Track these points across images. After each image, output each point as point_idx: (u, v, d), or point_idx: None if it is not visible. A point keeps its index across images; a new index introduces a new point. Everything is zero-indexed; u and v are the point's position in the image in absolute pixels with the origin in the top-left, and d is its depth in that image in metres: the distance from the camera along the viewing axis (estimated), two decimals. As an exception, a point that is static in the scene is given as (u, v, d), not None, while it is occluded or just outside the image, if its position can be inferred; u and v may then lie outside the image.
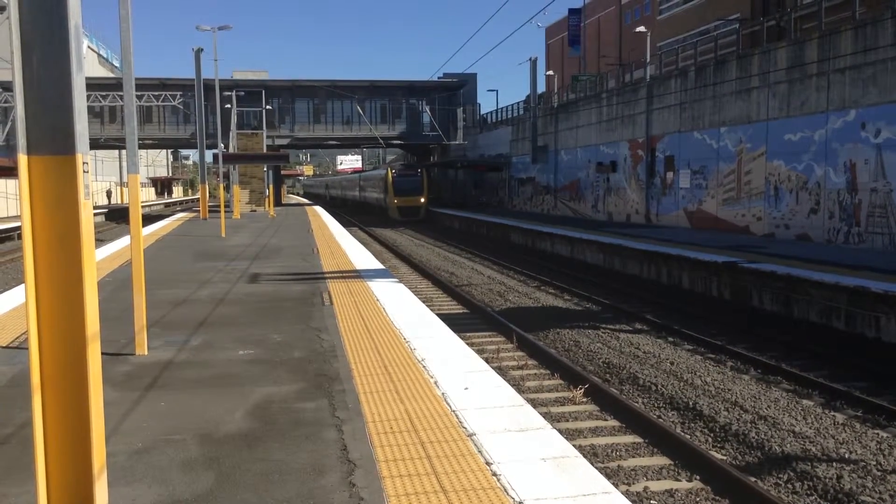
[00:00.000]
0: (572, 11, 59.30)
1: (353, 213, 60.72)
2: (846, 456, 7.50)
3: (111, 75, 70.62)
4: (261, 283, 13.01)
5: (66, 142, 3.13)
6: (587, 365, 11.47)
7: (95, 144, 49.21)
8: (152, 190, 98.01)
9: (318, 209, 48.49)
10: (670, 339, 13.20)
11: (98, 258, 16.82)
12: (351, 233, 29.17)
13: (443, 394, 6.11)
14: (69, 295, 3.16)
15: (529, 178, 44.83)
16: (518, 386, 10.08)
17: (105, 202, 71.10)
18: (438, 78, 54.29)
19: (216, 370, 7.05)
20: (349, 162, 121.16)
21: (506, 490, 4.24)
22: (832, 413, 9.00)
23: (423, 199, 48.68)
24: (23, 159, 3.11)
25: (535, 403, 9.09)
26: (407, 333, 8.46)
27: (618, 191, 34.05)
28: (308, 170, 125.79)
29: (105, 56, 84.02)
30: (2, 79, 44.75)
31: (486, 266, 24.51)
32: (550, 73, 53.70)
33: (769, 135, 23.22)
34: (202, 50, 35.85)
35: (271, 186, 44.66)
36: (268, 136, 46.78)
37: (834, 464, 7.30)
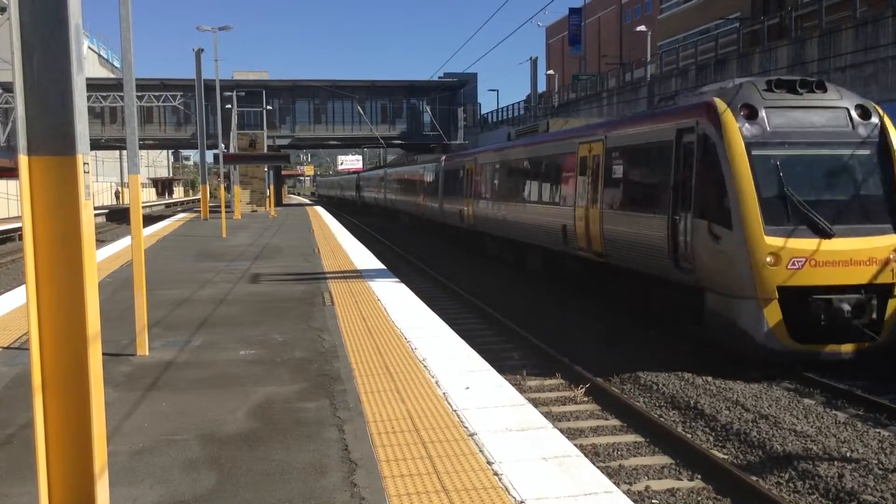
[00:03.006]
0: (573, 11, 59.33)
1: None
2: (848, 455, 7.49)
3: (112, 76, 70.64)
4: (262, 283, 13.01)
5: (67, 142, 3.13)
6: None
7: (96, 145, 49.26)
8: (153, 190, 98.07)
9: (319, 209, 48.36)
10: (671, 338, 13.15)
11: (99, 259, 16.82)
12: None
13: (444, 393, 6.11)
14: (70, 295, 3.16)
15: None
16: (519, 385, 10.06)
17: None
18: (439, 78, 54.25)
19: (217, 370, 7.05)
20: (350, 162, 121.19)
21: (507, 489, 4.24)
22: (833, 412, 8.99)
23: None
24: (23, 160, 3.11)
25: (536, 403, 9.08)
26: (408, 333, 8.46)
27: (619, 190, 33.98)
28: (309, 170, 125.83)
29: (106, 56, 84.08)
30: (2, 79, 44.77)
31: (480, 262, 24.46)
32: (551, 72, 53.74)
33: (770, 134, 23.17)
34: (203, 50, 35.90)
35: (272, 187, 44.66)
36: (268, 137, 46.76)
37: (835, 463, 7.29)
